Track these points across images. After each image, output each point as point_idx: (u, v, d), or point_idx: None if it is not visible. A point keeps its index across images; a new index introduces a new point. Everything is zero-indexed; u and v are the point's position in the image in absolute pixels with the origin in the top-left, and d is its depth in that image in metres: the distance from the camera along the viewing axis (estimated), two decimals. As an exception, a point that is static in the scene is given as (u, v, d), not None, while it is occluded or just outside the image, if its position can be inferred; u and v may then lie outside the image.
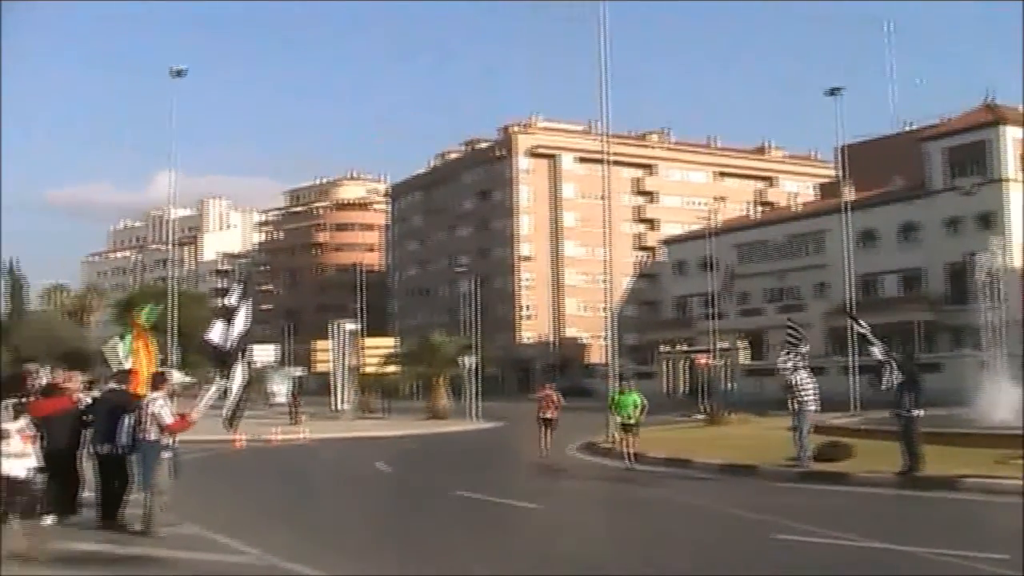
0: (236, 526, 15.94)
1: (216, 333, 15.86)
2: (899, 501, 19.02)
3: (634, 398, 26.89)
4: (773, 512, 16.78)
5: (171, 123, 46.96)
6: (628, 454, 26.19)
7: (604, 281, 38.37)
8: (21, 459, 12.28)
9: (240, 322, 15.86)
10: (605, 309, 39.60)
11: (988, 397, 32.86)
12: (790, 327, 25.91)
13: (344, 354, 61.71)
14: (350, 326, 64.43)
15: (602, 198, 37.94)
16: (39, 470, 12.80)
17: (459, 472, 27.86)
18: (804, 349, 24.85)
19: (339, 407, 60.37)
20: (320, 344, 68.45)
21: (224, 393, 15.91)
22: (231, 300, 16.28)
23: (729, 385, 74.47)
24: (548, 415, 30.85)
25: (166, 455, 15.07)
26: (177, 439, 15.49)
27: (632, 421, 26.55)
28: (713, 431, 37.75)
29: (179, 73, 45.00)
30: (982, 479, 19.39)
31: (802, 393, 23.41)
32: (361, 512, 19.74)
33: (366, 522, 18.01)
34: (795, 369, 23.75)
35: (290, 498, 21.87)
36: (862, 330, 25.93)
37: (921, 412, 21.03)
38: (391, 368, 68.14)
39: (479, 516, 18.41)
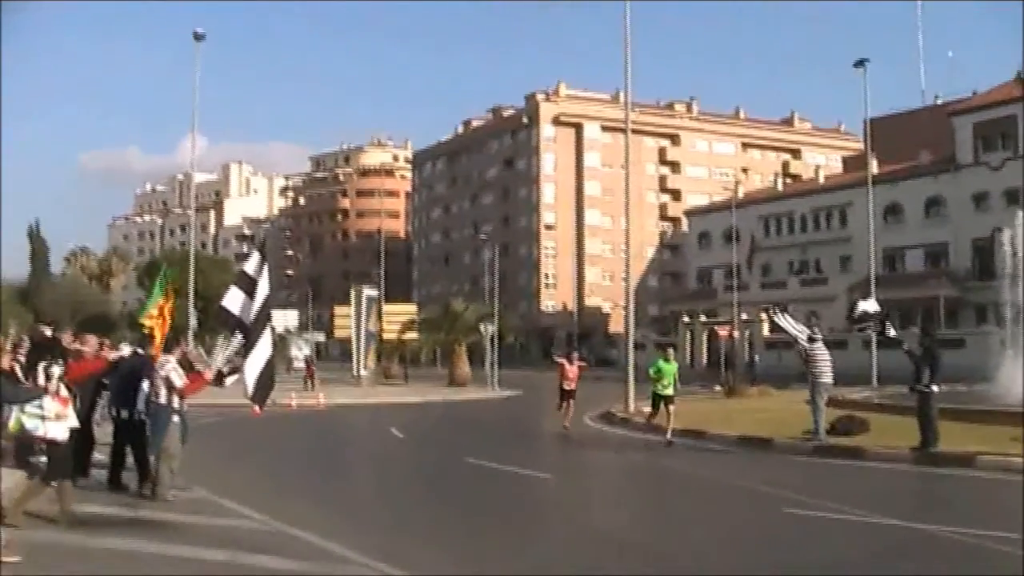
0: (245, 491, 15.92)
1: (233, 301, 15.73)
2: (913, 477, 18.88)
3: (675, 367, 25.36)
4: (786, 486, 16.68)
5: (194, 87, 46.73)
6: (669, 428, 24.24)
7: (624, 250, 37.88)
8: (61, 421, 12.23)
9: (262, 293, 15.72)
10: (627, 283, 39.05)
11: (1008, 374, 32.57)
12: (776, 312, 26.56)
13: (364, 320, 61.69)
14: (371, 292, 64.42)
15: (623, 167, 37.33)
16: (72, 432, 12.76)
17: (472, 440, 27.85)
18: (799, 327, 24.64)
19: (359, 373, 60.40)
20: (341, 310, 68.46)
21: (236, 357, 15.85)
22: (249, 267, 16.10)
23: (754, 357, 74.15)
24: (569, 386, 28.77)
25: (176, 419, 15.02)
26: (187, 403, 15.43)
27: (672, 392, 24.81)
28: (731, 403, 37.58)
29: (199, 37, 44.87)
30: (997, 457, 19.18)
31: (818, 365, 23.24)
32: (371, 479, 19.76)
33: (375, 489, 18.03)
34: (811, 340, 23.54)
35: (301, 464, 21.91)
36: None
37: (938, 388, 20.84)
38: (411, 335, 68.30)
39: (488, 485, 18.37)
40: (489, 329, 58.16)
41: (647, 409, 26.73)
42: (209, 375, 15.37)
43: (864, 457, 20.83)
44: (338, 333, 72.51)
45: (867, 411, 27.76)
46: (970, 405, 27.73)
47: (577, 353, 32.42)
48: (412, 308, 75.31)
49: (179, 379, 14.91)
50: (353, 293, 63.71)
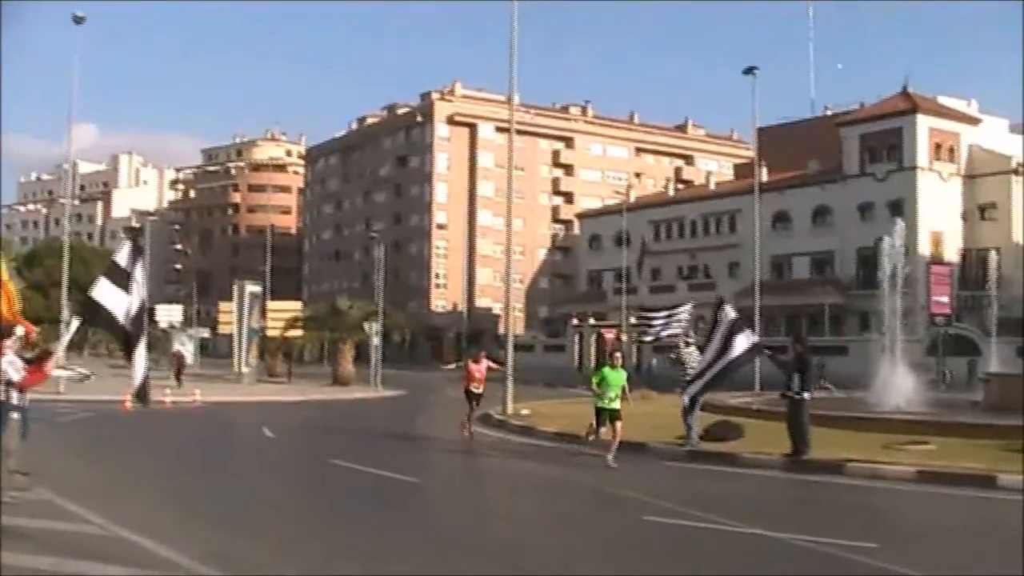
0: (91, 493, 15.34)
1: (102, 293, 15.05)
2: (781, 484, 18.75)
3: (623, 377, 21.81)
4: (651, 492, 16.50)
5: (74, 71, 45.51)
6: (613, 447, 20.81)
7: (505, 251, 37.40)
8: None
9: (138, 286, 15.06)
10: (507, 279, 38.57)
11: (884, 381, 32.91)
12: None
13: (247, 317, 60.59)
14: (254, 288, 63.32)
15: (516, 168, 36.92)
16: None
17: (343, 441, 27.29)
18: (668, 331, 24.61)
19: (240, 370, 59.30)
20: (225, 306, 67.19)
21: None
22: (120, 258, 15.40)
23: (650, 362, 74.36)
24: (476, 388, 26.72)
25: (15, 415, 14.27)
26: (28, 398, 14.70)
27: (619, 406, 21.34)
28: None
29: (79, 20, 43.58)
30: (867, 464, 19.19)
31: (689, 370, 23.13)
32: (227, 480, 19.07)
33: (228, 490, 17.38)
34: (686, 345, 23.42)
35: (158, 463, 21.13)
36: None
37: (809, 395, 20.79)
38: (296, 332, 67.33)
39: (347, 487, 17.93)
40: (374, 328, 57.39)
41: (596, 425, 21.65)
42: (50, 368, 14.66)
43: (736, 463, 20.74)
44: (222, 329, 71.18)
45: (745, 416, 27.77)
46: (844, 412, 27.94)
47: (485, 352, 29.91)
48: (297, 305, 74.17)
49: (16, 372, 14.15)
50: (235, 289, 62.59)
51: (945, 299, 70.83)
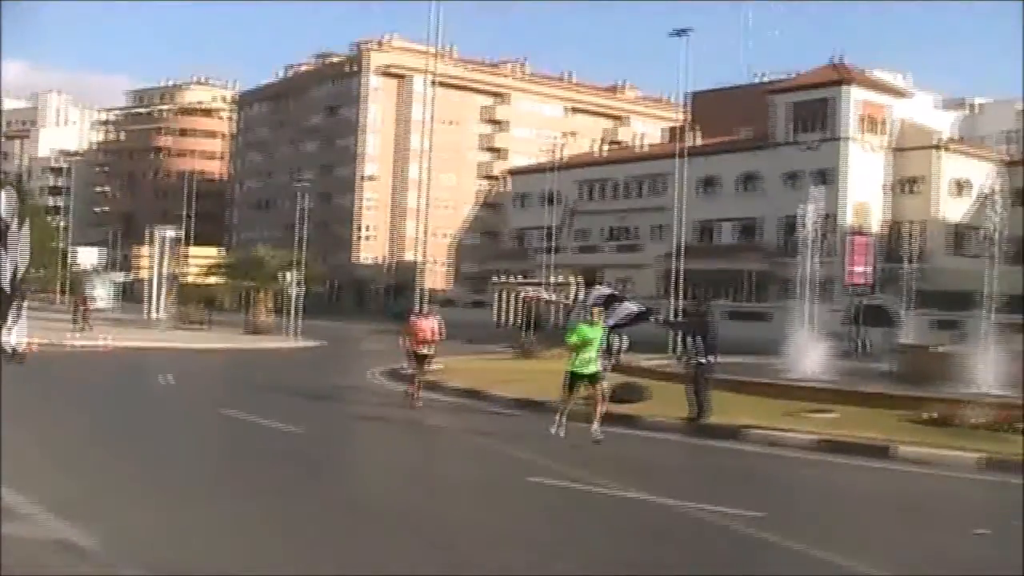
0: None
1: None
2: (677, 448, 18.47)
3: (598, 333, 18.46)
4: (542, 452, 16.10)
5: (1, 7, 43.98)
6: (597, 417, 18.00)
7: (421, 200, 36.91)
8: None
9: (16, 236, 14.36)
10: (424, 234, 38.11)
11: (796, 348, 32.80)
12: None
13: (163, 262, 59.52)
14: (171, 233, 62.22)
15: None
16: None
17: (241, 390, 26.73)
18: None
19: (155, 316, 58.27)
20: (143, 251, 66.00)
21: None
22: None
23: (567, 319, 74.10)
24: (424, 350, 23.03)
25: None
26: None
27: (596, 369, 18.21)
28: (523, 365, 36.99)
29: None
30: (767, 431, 18.95)
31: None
32: (104, 427, 18.46)
33: (100, 439, 16.79)
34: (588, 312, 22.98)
35: (39, 411, 20.32)
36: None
37: (711, 359, 20.48)
38: (214, 279, 66.35)
39: (226, 436, 17.51)
40: (291, 277, 56.60)
41: (573, 392, 18.49)
42: None
43: (637, 426, 20.42)
44: (140, 274, 70.01)
45: (655, 379, 27.42)
46: (753, 378, 27.75)
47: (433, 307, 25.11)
48: (215, 252, 73.14)
49: None
50: (152, 233, 61.45)
51: (863, 269, 71.19)
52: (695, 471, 16.37)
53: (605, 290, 22.53)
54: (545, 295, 28.18)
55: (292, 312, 56.34)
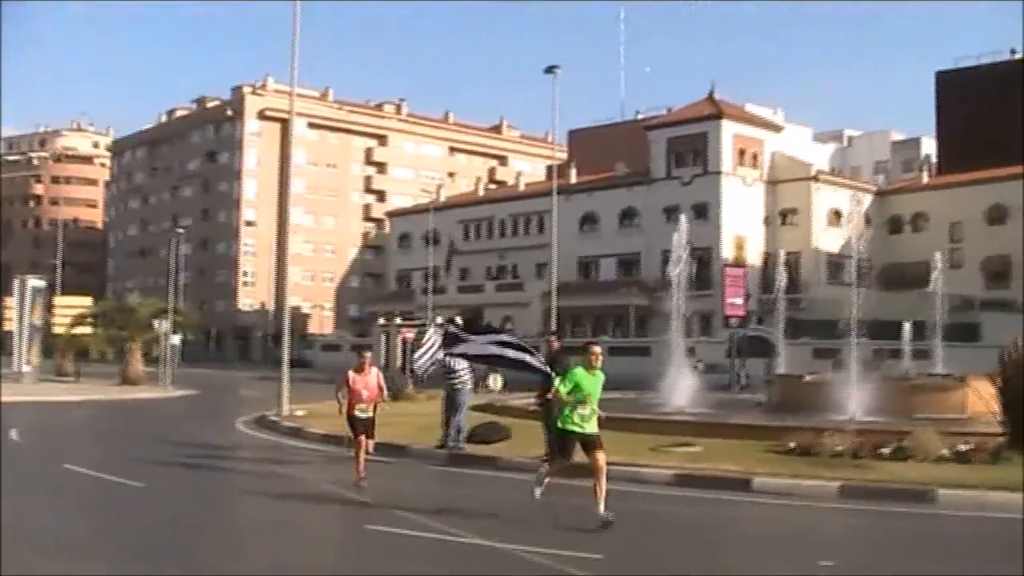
0: None
1: None
2: (526, 488, 17.98)
3: (598, 381, 14.02)
4: (389, 498, 15.66)
5: None
6: (600, 498, 13.57)
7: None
8: None
9: None
10: (281, 278, 37.26)
11: (670, 383, 32.66)
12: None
13: (28, 312, 57.58)
14: (36, 282, 60.27)
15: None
16: None
17: (93, 445, 25.69)
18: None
19: (19, 369, 56.33)
20: (8, 301, 63.90)
21: None
22: None
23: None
24: (361, 412, 18.07)
25: None
26: None
27: (595, 430, 13.95)
28: (394, 407, 36.27)
29: None
30: (627, 467, 18.54)
31: (458, 374, 22.27)
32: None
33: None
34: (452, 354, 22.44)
35: None
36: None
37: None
38: (83, 329, 64.50)
39: (66, 490, 16.64)
40: (164, 326, 55.25)
41: (564, 456, 14.53)
42: None
43: (497, 466, 19.94)
44: (5, 326, 67.76)
45: (521, 417, 26.95)
46: (622, 413, 27.40)
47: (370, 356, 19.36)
48: (86, 301, 71.09)
49: None
50: (16, 283, 59.53)
51: (739, 301, 71.79)
52: (545, 512, 15.89)
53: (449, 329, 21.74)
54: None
55: (166, 361, 55.00)
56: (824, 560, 11.64)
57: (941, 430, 20.41)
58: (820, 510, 15.54)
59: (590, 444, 13.77)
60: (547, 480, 14.83)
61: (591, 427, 13.84)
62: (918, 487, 16.17)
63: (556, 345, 20.70)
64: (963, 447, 19.13)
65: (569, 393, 13.72)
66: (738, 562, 12.19)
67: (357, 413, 18.05)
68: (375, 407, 18.34)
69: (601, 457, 13.68)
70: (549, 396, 19.72)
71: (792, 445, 20.18)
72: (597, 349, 14.12)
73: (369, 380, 18.20)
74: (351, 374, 18.17)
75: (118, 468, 18.77)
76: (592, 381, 13.83)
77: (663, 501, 16.24)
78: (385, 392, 19.12)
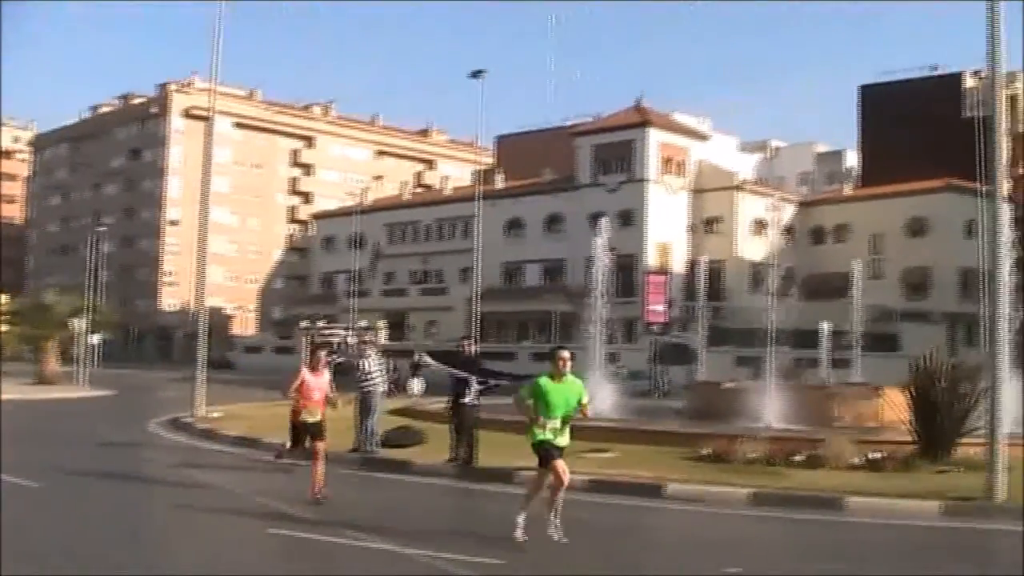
0: None
1: None
2: (441, 493, 17.91)
3: (578, 391, 12.77)
4: (296, 502, 15.23)
5: None
6: (555, 505, 12.83)
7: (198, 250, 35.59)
8: None
9: None
10: (198, 277, 36.74)
11: (591, 390, 32.56)
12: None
13: (-63, 310, 56.50)
14: (-53, 280, 59.23)
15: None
16: None
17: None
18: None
19: (-73, 368, 55.15)
20: (-81, 299, 62.73)
21: None
22: None
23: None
24: (309, 416, 16.49)
25: None
26: None
27: (564, 442, 12.76)
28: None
29: None
30: (536, 472, 18.42)
31: (372, 377, 22.00)
32: None
33: None
34: (361, 356, 22.23)
35: None
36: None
37: (474, 400, 19.92)
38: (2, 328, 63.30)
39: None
40: (81, 324, 54.36)
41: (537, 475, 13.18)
42: None
43: (409, 471, 19.75)
44: (-84, 325, 66.38)
45: (440, 422, 26.74)
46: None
47: (331, 357, 18.98)
48: (2, 298, 69.83)
49: None
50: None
51: (661, 307, 72.06)
52: (449, 515, 15.77)
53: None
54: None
55: (83, 360, 54.12)
56: (730, 568, 11.57)
57: (854, 438, 20.54)
58: (730, 516, 15.52)
59: (549, 456, 12.60)
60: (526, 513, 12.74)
61: (563, 440, 12.66)
62: (828, 494, 16.22)
63: (469, 350, 20.49)
64: (875, 455, 19.28)
65: (535, 408, 12.50)
66: (646, 568, 12.08)
67: (305, 417, 16.43)
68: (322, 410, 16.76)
69: (560, 469, 12.54)
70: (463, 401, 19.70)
71: (706, 452, 20.25)
72: (565, 355, 12.71)
73: (321, 381, 16.59)
74: (305, 372, 16.51)
75: (18, 469, 18.28)
76: (560, 391, 12.53)
77: (575, 507, 16.03)
78: (334, 395, 17.22)
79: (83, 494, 16.99)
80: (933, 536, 14.46)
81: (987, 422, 16.75)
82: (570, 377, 12.70)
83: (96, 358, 70.51)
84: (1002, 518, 15.00)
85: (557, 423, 12.45)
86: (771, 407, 27.38)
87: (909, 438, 20.34)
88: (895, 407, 22.26)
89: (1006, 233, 19.12)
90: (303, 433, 16.56)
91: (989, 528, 14.79)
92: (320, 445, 16.09)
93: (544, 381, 12.53)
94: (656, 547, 13.52)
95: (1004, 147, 16.55)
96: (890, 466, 18.82)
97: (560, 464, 12.49)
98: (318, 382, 16.45)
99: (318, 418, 16.42)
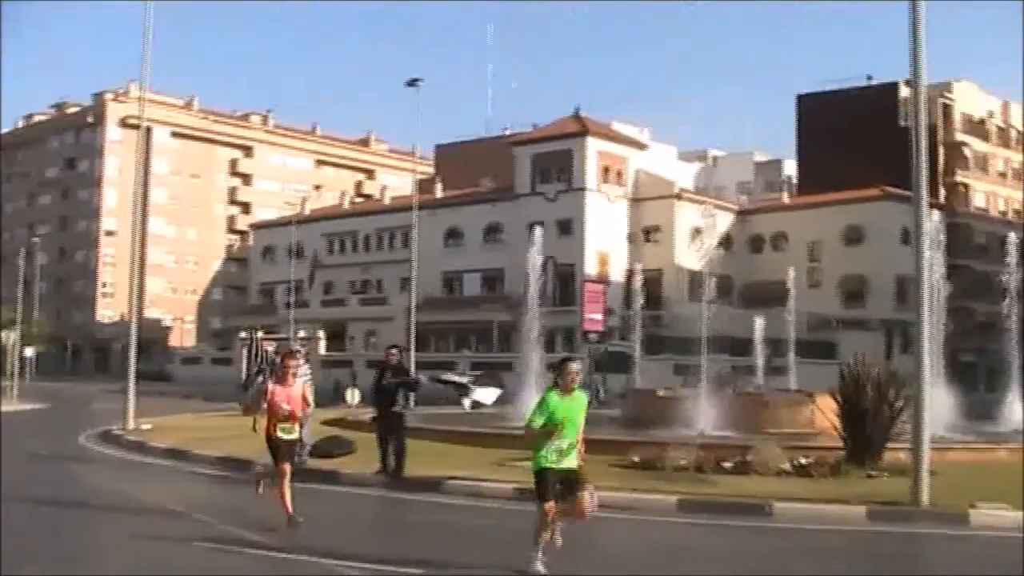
0: None
1: None
2: (368, 504, 17.82)
3: (584, 407, 11.44)
4: (219, 515, 15.06)
5: None
6: (553, 529, 11.45)
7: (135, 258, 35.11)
8: None
9: None
10: (136, 288, 36.35)
11: (520, 397, 32.62)
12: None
13: None
14: None
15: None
16: None
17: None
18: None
19: None
20: None
21: None
22: None
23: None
24: (283, 432, 14.55)
25: None
26: None
27: (577, 463, 11.37)
28: (246, 421, 35.55)
29: None
30: (468, 482, 18.40)
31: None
32: None
33: None
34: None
35: None
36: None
37: (402, 409, 19.82)
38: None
39: None
40: (11, 337, 53.68)
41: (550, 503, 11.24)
42: None
43: (337, 481, 19.57)
44: None
45: (372, 432, 26.57)
46: (471, 428, 27.45)
47: (304, 363, 17.50)
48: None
49: None
50: None
51: (599, 316, 72.10)
52: (374, 527, 15.63)
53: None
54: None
55: (14, 374, 53.46)
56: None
57: (784, 444, 20.66)
58: (657, 524, 15.50)
59: (569, 484, 11.12)
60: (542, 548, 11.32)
61: (570, 462, 11.18)
62: (755, 500, 16.25)
63: (394, 360, 20.28)
64: (804, 461, 19.36)
65: (544, 425, 10.98)
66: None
67: (280, 434, 14.56)
68: (300, 425, 15.30)
69: (586, 500, 11.11)
70: (396, 409, 19.58)
71: (635, 459, 20.22)
72: (575, 367, 11.26)
73: (293, 392, 14.63)
74: (271, 385, 14.68)
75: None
76: (569, 407, 11.10)
77: (501, 516, 16.00)
78: (310, 405, 15.83)
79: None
80: (857, 540, 14.54)
81: (912, 427, 16.86)
82: (578, 392, 11.35)
83: (30, 371, 69.68)
84: (925, 522, 15.12)
85: (564, 444, 11.06)
86: (705, 414, 27.53)
87: (839, 444, 20.46)
88: (827, 414, 22.41)
89: (930, 240, 19.30)
90: (282, 450, 14.58)
91: (913, 532, 14.88)
92: (287, 468, 14.49)
93: (552, 397, 11.12)
94: (581, 554, 13.36)
95: (924, 153, 16.63)
96: (818, 472, 18.91)
97: (585, 500, 11.12)
98: (288, 394, 14.57)
99: (294, 435, 14.90)
